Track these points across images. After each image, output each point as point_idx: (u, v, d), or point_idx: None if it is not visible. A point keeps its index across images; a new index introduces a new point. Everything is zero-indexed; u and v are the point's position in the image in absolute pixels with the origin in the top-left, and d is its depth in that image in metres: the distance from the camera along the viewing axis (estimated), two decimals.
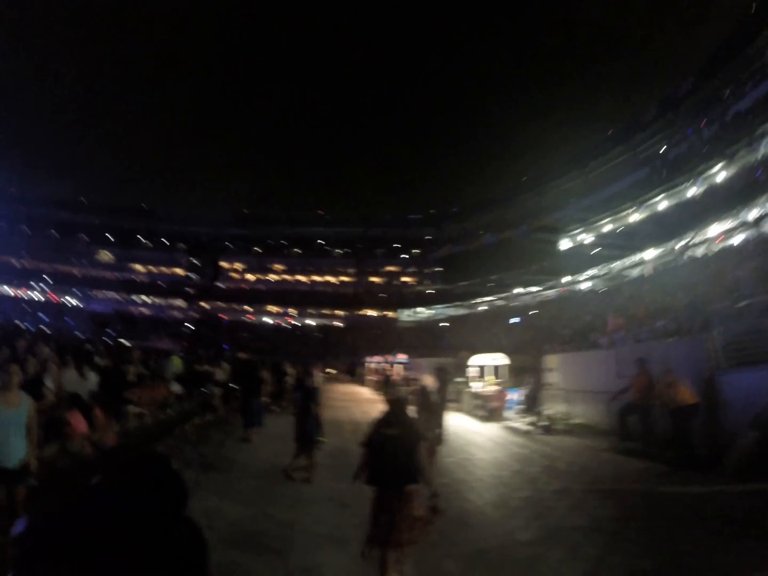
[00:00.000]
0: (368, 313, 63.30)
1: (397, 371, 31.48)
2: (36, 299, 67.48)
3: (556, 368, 16.73)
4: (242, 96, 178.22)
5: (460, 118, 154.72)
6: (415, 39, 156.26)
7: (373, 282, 66.57)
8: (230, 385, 15.45)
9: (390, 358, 37.33)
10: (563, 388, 15.75)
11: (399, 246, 66.02)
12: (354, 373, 41.89)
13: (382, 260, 66.83)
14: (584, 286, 41.25)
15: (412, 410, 6.29)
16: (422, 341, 45.51)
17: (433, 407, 7.80)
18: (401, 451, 4.25)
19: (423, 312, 59.89)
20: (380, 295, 64.58)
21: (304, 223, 71.23)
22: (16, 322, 43.82)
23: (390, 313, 62.15)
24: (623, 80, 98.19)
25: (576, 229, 41.25)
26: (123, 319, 62.42)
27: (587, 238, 40.53)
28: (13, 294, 67.14)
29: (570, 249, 42.02)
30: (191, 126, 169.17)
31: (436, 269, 60.24)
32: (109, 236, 73.35)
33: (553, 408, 15.27)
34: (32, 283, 68.93)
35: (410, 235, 65.32)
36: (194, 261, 71.04)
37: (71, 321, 59.90)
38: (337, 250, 69.04)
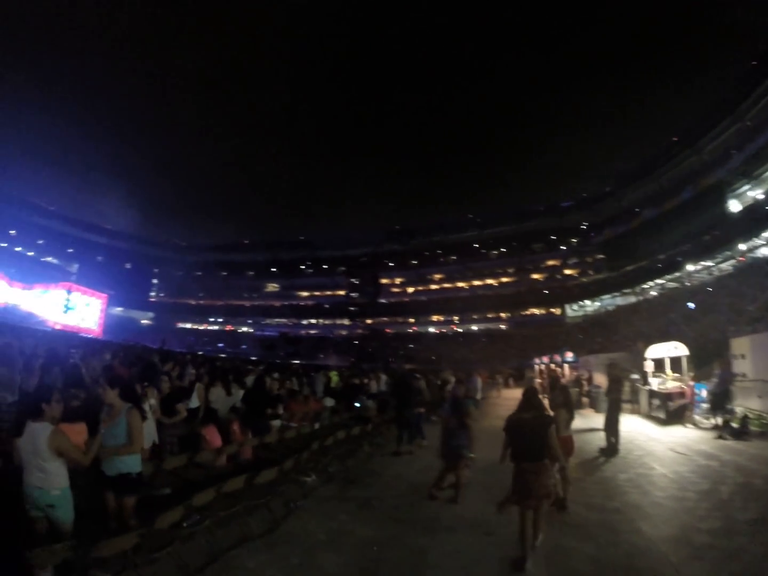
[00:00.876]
0: (533, 312, 60.67)
1: (567, 371, 29.36)
2: (215, 331, 76.85)
3: (746, 354, 13.91)
4: (379, 117, 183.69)
5: (595, 85, 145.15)
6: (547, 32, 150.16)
7: (534, 279, 63.79)
8: (385, 396, 15.19)
9: (558, 357, 35.20)
10: (757, 378, 12.94)
11: (555, 237, 62.49)
12: (522, 377, 39.95)
13: (540, 255, 64.08)
14: (766, 250, 35.15)
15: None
16: (591, 336, 42.39)
17: (572, 405, 7.65)
18: (533, 431, 5.12)
19: (590, 304, 55.89)
20: (543, 291, 61.37)
21: (457, 229, 70.90)
22: (199, 351, 48.65)
23: (555, 310, 58.84)
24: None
25: (742, 185, 35.75)
26: (288, 341, 66.34)
27: (757, 192, 34.86)
28: (194, 328, 77.58)
29: (741, 210, 36.56)
30: (336, 154, 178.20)
31: (599, 256, 56.32)
32: (274, 269, 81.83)
33: (746, 404, 12.62)
34: (210, 318, 78.85)
35: (565, 224, 61.53)
36: (355, 281, 74.13)
37: (246, 347, 65.20)
38: (493, 252, 67.72)
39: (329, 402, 13.36)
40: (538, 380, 31.16)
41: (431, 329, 67.49)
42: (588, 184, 68.83)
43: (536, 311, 60.30)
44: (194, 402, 8.84)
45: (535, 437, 5.09)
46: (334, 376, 18.95)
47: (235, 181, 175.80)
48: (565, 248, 62.32)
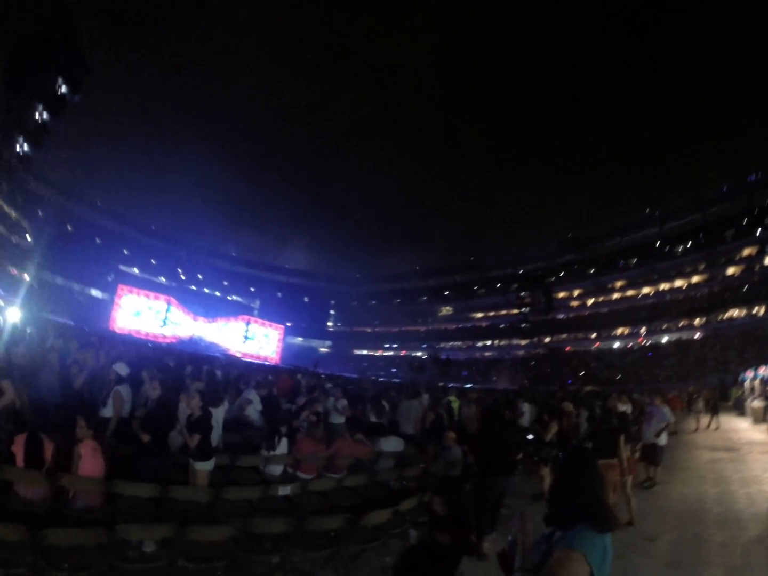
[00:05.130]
0: (733, 314, 49.31)
1: None
2: (390, 356, 78.82)
3: None
4: (542, 128, 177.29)
5: None
6: None
7: (729, 275, 52.94)
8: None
9: None
10: None
11: (748, 219, 50.84)
12: (727, 397, 31.62)
13: (732, 244, 52.91)
14: None
15: None
16: None
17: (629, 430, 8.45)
18: (605, 438, 7.04)
19: None
20: (741, 288, 50.06)
21: (634, 228, 63.62)
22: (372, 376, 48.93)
23: (759, 309, 46.80)
24: None
25: None
26: (437, 362, 63.91)
27: None
28: (369, 355, 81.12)
29: None
30: (501, 171, 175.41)
31: None
32: (447, 293, 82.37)
33: None
34: (386, 344, 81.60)
35: (757, 201, 50.23)
36: (527, 298, 69.69)
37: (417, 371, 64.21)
38: (678, 248, 58.32)
39: (391, 444, 8.46)
40: (756, 403, 23.63)
41: (615, 344, 59.35)
42: None
43: (737, 313, 49.00)
44: (107, 410, 7.09)
45: (604, 443, 6.88)
46: (455, 403, 14.12)
47: (405, 212, 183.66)
48: (760, 231, 50.04)
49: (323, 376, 28.66)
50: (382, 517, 5.29)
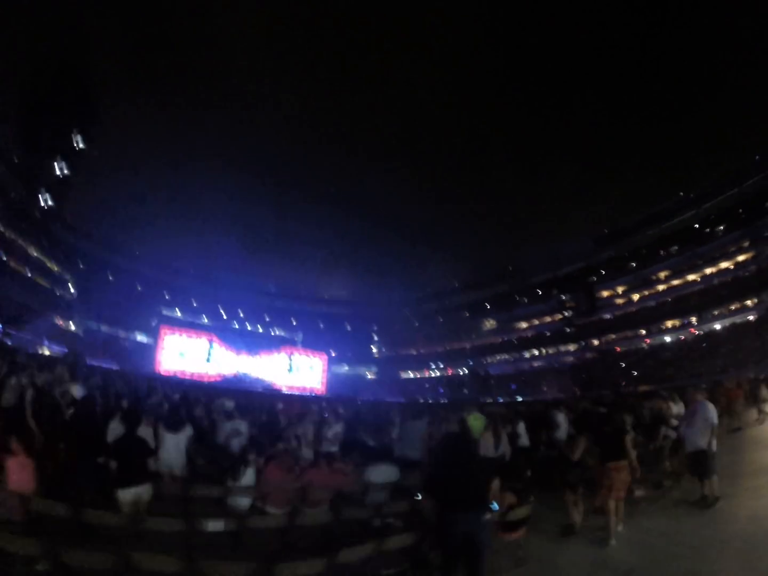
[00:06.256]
0: None
1: None
2: (436, 377, 77.54)
3: None
4: (564, 125, 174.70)
5: None
6: None
7: None
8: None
9: None
10: None
11: None
12: None
13: None
14: None
15: None
16: None
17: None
18: (612, 440, 6.94)
19: None
20: None
21: (670, 214, 59.96)
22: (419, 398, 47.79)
23: None
24: None
25: None
26: (476, 377, 63.52)
27: None
28: (416, 377, 79.98)
29: None
30: (529, 173, 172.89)
31: None
32: (488, 305, 79.70)
33: None
34: (432, 364, 79.99)
35: None
36: (570, 301, 68.31)
37: (466, 391, 62.72)
38: (719, 228, 54.86)
39: (381, 474, 7.03)
40: None
41: (667, 338, 56.21)
42: None
43: None
44: None
45: (611, 443, 6.88)
46: (476, 421, 11.47)
47: (437, 229, 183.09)
48: None
49: (359, 403, 28.08)
50: (313, 567, 4.14)
